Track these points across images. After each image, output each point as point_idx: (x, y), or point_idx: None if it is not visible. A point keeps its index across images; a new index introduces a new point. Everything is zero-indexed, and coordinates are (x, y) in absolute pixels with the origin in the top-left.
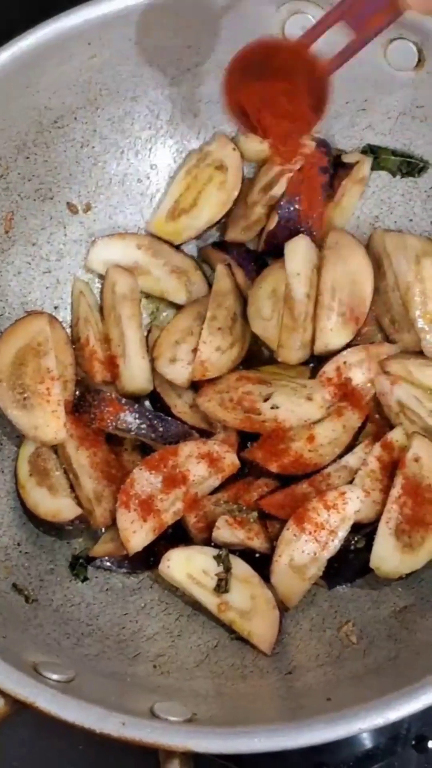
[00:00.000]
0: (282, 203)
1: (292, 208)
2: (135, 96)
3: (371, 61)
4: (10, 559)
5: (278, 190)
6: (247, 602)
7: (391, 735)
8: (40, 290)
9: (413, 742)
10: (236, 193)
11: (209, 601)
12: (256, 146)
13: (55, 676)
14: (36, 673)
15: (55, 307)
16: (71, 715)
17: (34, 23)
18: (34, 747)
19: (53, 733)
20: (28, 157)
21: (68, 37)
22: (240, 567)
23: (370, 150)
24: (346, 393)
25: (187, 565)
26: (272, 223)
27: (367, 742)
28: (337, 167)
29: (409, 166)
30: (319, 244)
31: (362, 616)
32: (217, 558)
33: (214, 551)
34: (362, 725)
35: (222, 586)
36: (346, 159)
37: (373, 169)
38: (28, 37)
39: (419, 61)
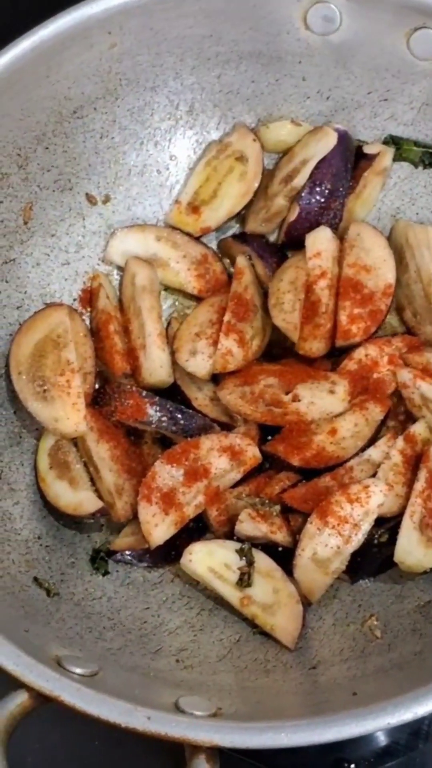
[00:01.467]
0: (303, 194)
1: (313, 200)
2: (155, 86)
3: (394, 50)
4: (30, 553)
5: (299, 181)
6: (270, 596)
7: (412, 730)
8: (59, 282)
9: None
10: (257, 185)
11: (232, 595)
12: (277, 137)
13: (78, 670)
14: (60, 667)
15: (74, 299)
16: (96, 709)
17: (54, 12)
18: (48, 742)
19: (67, 728)
20: (47, 148)
21: (88, 26)
22: (263, 561)
23: (392, 141)
24: (367, 386)
25: (209, 559)
26: (293, 215)
27: (387, 738)
28: (358, 158)
29: (431, 157)
30: (341, 235)
31: (386, 611)
32: (240, 552)
33: (237, 545)
34: (391, 720)
35: (245, 580)
36: (368, 150)
37: (395, 160)
38: (49, 26)
39: None
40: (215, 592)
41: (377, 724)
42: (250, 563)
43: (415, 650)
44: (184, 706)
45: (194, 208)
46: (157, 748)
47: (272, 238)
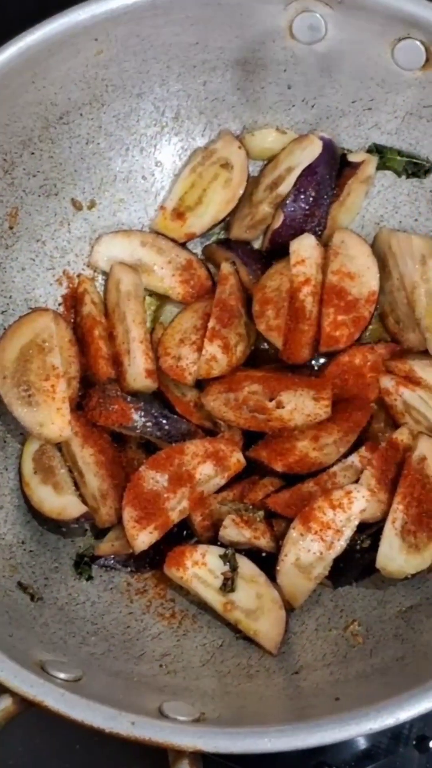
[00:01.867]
0: (287, 202)
1: (297, 207)
2: (141, 92)
3: (379, 60)
4: (14, 558)
5: (284, 188)
6: (253, 602)
7: (393, 734)
8: (44, 287)
9: (414, 742)
10: (241, 191)
11: (215, 600)
12: (262, 144)
13: (62, 675)
14: (44, 672)
15: (59, 304)
16: (80, 714)
17: (41, 18)
18: (31, 745)
19: (50, 732)
20: (33, 153)
21: (75, 32)
22: (246, 566)
23: (376, 149)
24: (351, 392)
25: (193, 565)
26: (277, 222)
27: (368, 742)
28: (343, 166)
29: (415, 166)
30: (325, 243)
31: (368, 616)
32: (224, 557)
33: (220, 550)
34: (373, 725)
35: (228, 586)
36: (352, 158)
37: (378, 168)
38: (35, 32)
39: (427, 60)
40: (199, 597)
41: (360, 729)
42: (234, 569)
43: (396, 655)
44: (167, 711)
45: (179, 214)
46: (141, 752)
47: (257, 244)
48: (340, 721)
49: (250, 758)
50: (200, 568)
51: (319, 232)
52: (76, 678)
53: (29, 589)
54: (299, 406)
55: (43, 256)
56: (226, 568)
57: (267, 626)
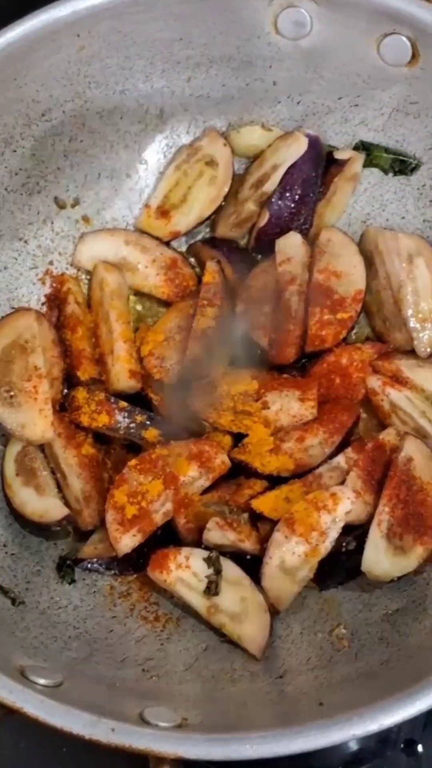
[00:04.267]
0: (273, 200)
1: (283, 205)
2: (124, 89)
3: (365, 56)
4: None
5: (269, 186)
6: (238, 605)
7: (380, 738)
8: (27, 286)
9: (402, 746)
10: (227, 189)
11: (199, 603)
12: (248, 141)
13: (42, 681)
14: (23, 678)
15: (42, 304)
16: (59, 720)
17: (21, 15)
18: (15, 749)
19: (35, 735)
20: (15, 151)
21: (56, 29)
22: (231, 569)
23: (363, 147)
24: (337, 393)
25: (177, 568)
26: (263, 220)
27: (356, 745)
28: (329, 163)
29: (402, 164)
30: (311, 241)
31: (353, 619)
32: (208, 560)
33: (204, 553)
34: (356, 731)
35: (212, 589)
36: (338, 155)
37: (365, 166)
38: (16, 28)
39: (413, 56)
40: (182, 600)
41: (343, 735)
42: (218, 572)
43: (382, 659)
44: (149, 717)
45: (164, 212)
46: (125, 755)
47: (242, 242)
48: (322, 727)
49: (234, 764)
50: (184, 571)
51: (306, 230)
52: (57, 684)
53: (10, 593)
54: (285, 406)
55: (26, 255)
56: (210, 571)
57: (251, 630)
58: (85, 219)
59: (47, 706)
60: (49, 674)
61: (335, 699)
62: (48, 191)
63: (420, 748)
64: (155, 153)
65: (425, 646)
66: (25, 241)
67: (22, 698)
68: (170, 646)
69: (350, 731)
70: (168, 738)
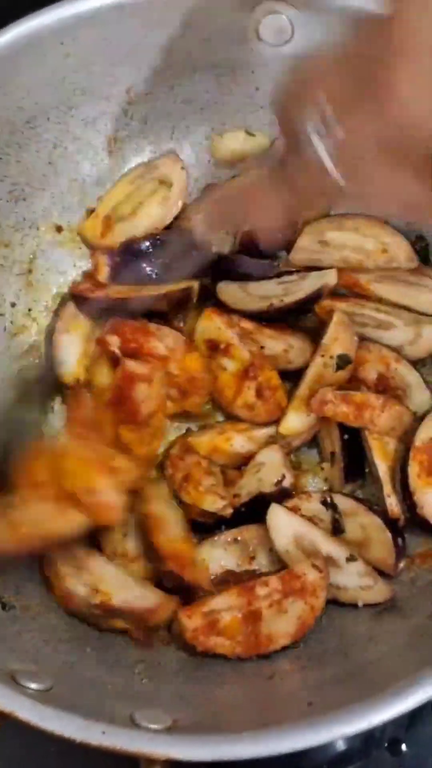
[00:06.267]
0: None
1: None
2: (109, 96)
3: None
4: None
5: None
6: (359, 533)
7: (365, 737)
8: (14, 293)
9: (386, 745)
10: (176, 212)
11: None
12: (231, 146)
13: (33, 685)
14: (14, 682)
15: (29, 310)
16: (50, 724)
17: (6, 22)
18: (6, 750)
19: (26, 736)
20: (0, 158)
21: (41, 36)
22: (343, 503)
23: None
24: None
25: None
26: None
27: (341, 745)
28: None
29: None
30: None
31: (343, 618)
32: (324, 503)
33: (319, 497)
34: (346, 729)
35: (339, 528)
36: None
37: None
38: (0, 36)
39: None
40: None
41: (332, 734)
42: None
43: (370, 659)
44: (139, 720)
45: (109, 223)
46: (117, 757)
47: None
48: (311, 725)
49: (226, 765)
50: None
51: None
52: (48, 687)
53: (1, 597)
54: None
55: (13, 261)
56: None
57: (380, 551)
58: (71, 227)
59: (38, 710)
60: (39, 678)
61: (324, 699)
62: (33, 198)
63: (404, 747)
64: (140, 159)
65: (412, 644)
66: (12, 248)
67: (12, 703)
68: (161, 649)
69: (340, 730)
70: (159, 740)
